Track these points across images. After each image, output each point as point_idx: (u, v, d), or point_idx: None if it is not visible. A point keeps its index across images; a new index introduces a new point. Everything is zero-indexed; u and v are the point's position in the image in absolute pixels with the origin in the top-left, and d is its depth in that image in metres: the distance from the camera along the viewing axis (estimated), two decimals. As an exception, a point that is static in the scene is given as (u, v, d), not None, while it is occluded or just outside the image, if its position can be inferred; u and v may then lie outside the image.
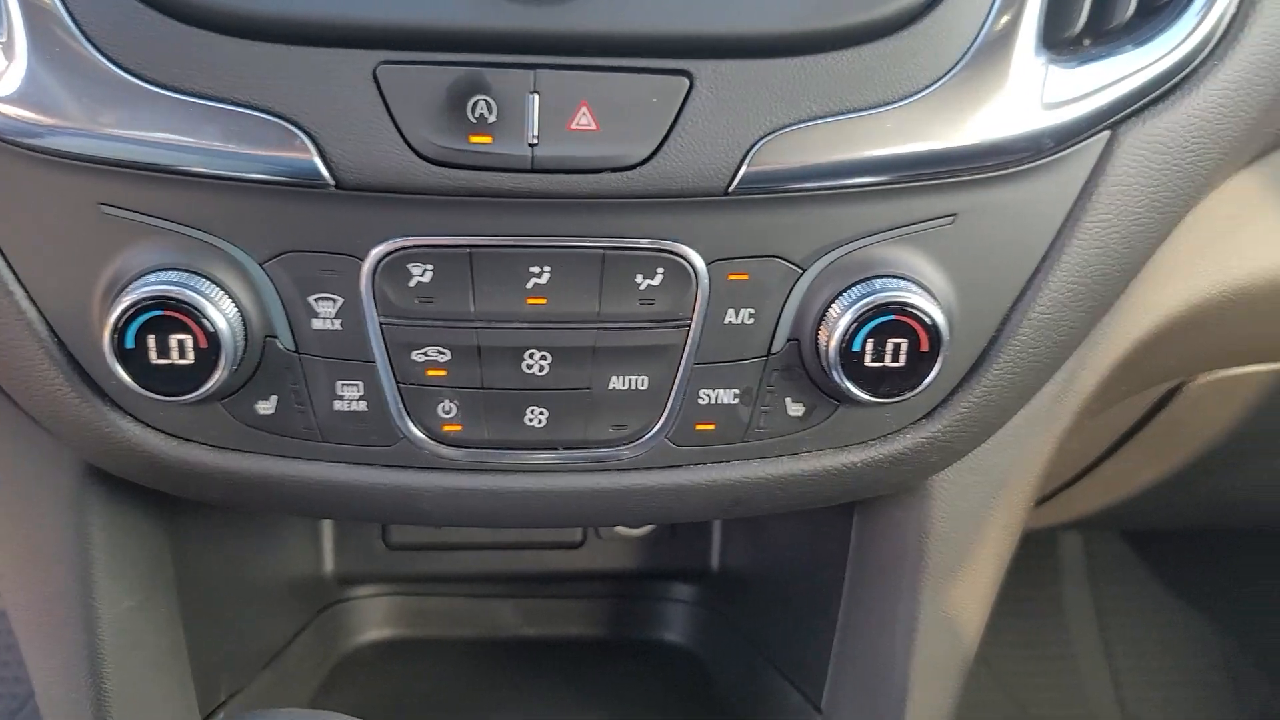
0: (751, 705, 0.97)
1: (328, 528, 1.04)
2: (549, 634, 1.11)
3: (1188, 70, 0.62)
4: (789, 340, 0.64)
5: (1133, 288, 0.70)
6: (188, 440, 0.64)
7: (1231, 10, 0.63)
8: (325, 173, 0.56)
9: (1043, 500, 1.00)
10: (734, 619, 1.06)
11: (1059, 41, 0.61)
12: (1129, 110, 0.62)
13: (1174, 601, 2.01)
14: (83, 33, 0.55)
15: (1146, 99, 0.62)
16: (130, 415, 0.63)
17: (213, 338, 0.58)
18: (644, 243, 0.60)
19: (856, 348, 0.62)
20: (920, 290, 0.62)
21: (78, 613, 0.70)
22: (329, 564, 1.04)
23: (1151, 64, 0.61)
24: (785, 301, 0.63)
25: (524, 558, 1.07)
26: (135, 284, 0.58)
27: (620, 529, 1.09)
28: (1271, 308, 0.75)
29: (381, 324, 0.61)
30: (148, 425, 0.64)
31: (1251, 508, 1.11)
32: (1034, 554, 1.99)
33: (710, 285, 0.62)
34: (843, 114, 0.58)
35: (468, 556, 1.06)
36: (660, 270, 0.61)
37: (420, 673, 1.02)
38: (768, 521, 0.98)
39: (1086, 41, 0.62)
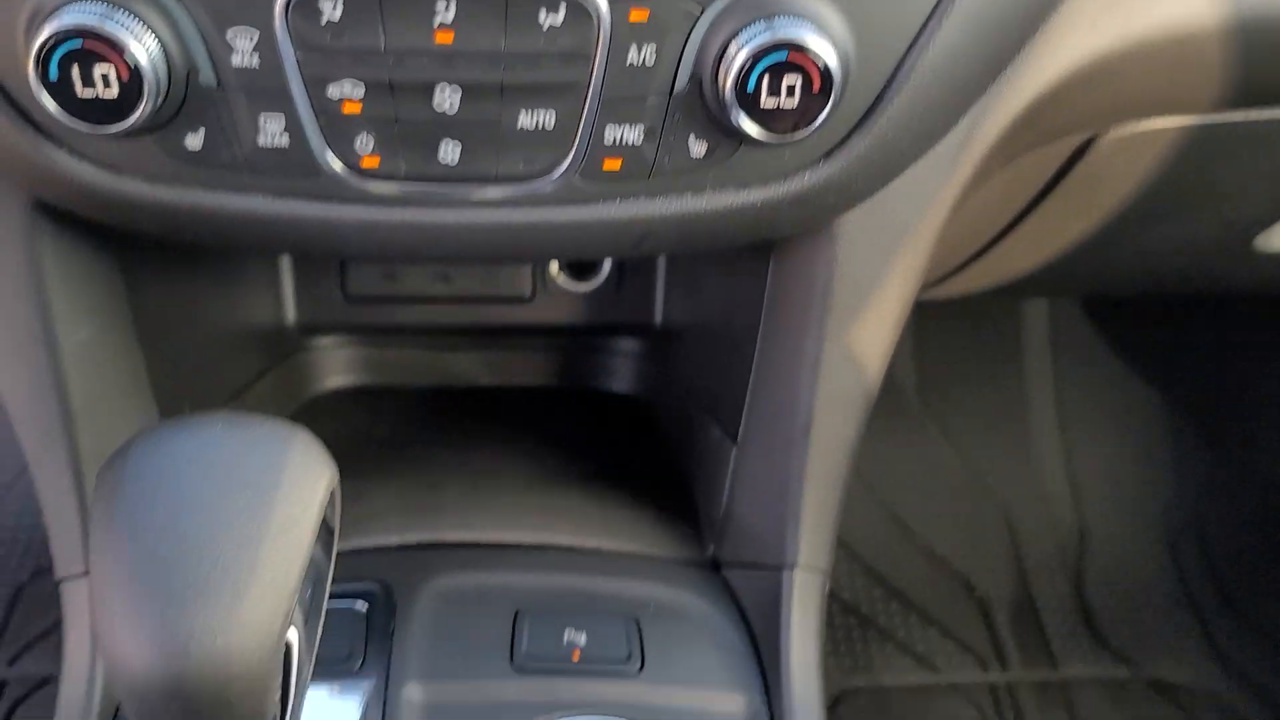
0: (682, 442, 1.06)
1: (287, 277, 1.09)
2: (503, 383, 1.18)
3: None
4: (690, 79, 0.67)
5: (1036, 40, 0.72)
6: (121, 173, 0.68)
7: None
8: None
9: (977, 255, 1.04)
10: (672, 369, 1.13)
11: None
12: None
13: (1131, 378, 2.09)
14: None
15: None
16: (66, 146, 0.67)
17: (135, 71, 0.62)
18: None
19: (751, 87, 0.65)
20: (817, 30, 0.64)
21: (39, 339, 0.76)
22: (290, 314, 1.11)
23: None
24: (686, 40, 0.66)
25: (478, 311, 1.13)
26: (55, 14, 0.61)
27: (566, 284, 1.14)
28: (1173, 60, 0.77)
29: (298, 58, 0.64)
30: (83, 157, 0.68)
31: (1176, 269, 1.16)
32: (999, 329, 2.06)
33: (612, 23, 0.64)
34: None
35: (424, 309, 1.12)
36: (563, 7, 0.64)
37: (380, 419, 1.10)
38: (701, 278, 1.04)
39: None
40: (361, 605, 0.87)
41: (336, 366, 1.15)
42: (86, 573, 0.83)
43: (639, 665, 0.84)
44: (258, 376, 1.05)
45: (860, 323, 0.81)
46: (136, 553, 0.51)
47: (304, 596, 0.57)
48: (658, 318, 1.15)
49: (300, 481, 0.54)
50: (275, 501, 0.53)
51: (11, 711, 1.69)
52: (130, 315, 0.82)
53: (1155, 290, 1.43)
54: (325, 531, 0.58)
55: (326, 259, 1.08)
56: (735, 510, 0.92)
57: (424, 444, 1.08)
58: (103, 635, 0.52)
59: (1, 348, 0.78)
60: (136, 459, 0.54)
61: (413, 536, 0.92)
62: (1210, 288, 1.34)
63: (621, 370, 1.19)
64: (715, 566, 0.95)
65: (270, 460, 0.54)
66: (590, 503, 0.99)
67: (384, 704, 0.80)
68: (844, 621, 1.83)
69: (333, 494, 0.57)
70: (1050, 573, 1.94)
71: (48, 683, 1.72)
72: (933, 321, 1.96)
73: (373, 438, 0.99)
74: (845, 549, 1.88)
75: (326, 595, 0.61)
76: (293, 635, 0.57)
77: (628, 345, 1.18)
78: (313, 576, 0.57)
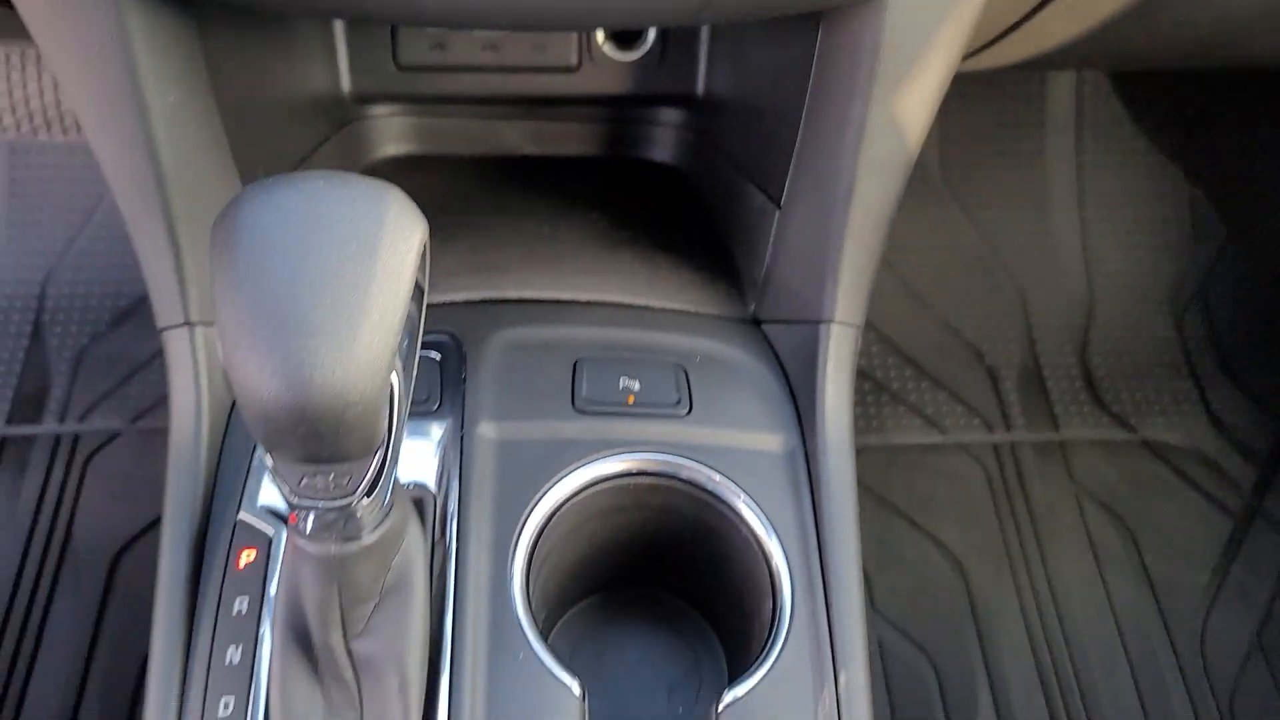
0: (723, 207, 1.11)
1: (342, 48, 1.12)
2: (549, 153, 1.23)
3: None
4: None
5: None
6: None
7: None
8: None
9: (1016, 24, 1.05)
10: (713, 138, 1.17)
11: None
12: None
13: (1151, 155, 2.11)
14: None
15: None
16: None
17: None
18: None
19: None
20: None
21: (131, 104, 0.80)
22: (345, 83, 1.14)
23: None
24: None
25: (525, 80, 1.16)
26: None
27: (612, 53, 1.16)
28: None
29: None
30: None
31: (1215, 39, 1.17)
32: (1024, 108, 2.07)
33: None
34: None
35: (473, 79, 1.14)
36: None
37: (434, 186, 1.15)
38: (745, 49, 1.06)
39: None
40: (435, 355, 0.95)
41: (390, 135, 1.19)
42: (186, 323, 0.90)
43: (687, 409, 0.93)
44: (318, 145, 1.09)
45: (905, 91, 0.85)
46: (260, 297, 0.56)
47: (402, 345, 0.63)
48: (700, 88, 1.17)
49: (399, 234, 0.58)
50: (379, 251, 0.57)
51: (88, 461, 1.83)
52: (209, 82, 0.86)
53: (1189, 63, 1.44)
54: (417, 289, 0.62)
55: (380, 24, 1.10)
56: (776, 270, 0.99)
57: (477, 210, 1.13)
58: (234, 371, 0.57)
59: (98, 114, 0.82)
60: (250, 212, 0.58)
61: (477, 294, 0.99)
62: (1248, 61, 1.35)
63: (663, 140, 1.22)
64: (755, 322, 1.03)
65: (371, 214, 0.58)
66: (639, 264, 1.06)
67: (460, 440, 0.89)
68: (860, 386, 1.94)
69: (423, 251, 0.61)
70: (1058, 343, 2.03)
71: (117, 436, 1.86)
72: (959, 100, 1.97)
73: (428, 204, 1.04)
74: (863, 319, 1.97)
75: (419, 344, 0.68)
76: (394, 378, 0.63)
77: (670, 115, 1.21)
78: (409, 328, 0.64)
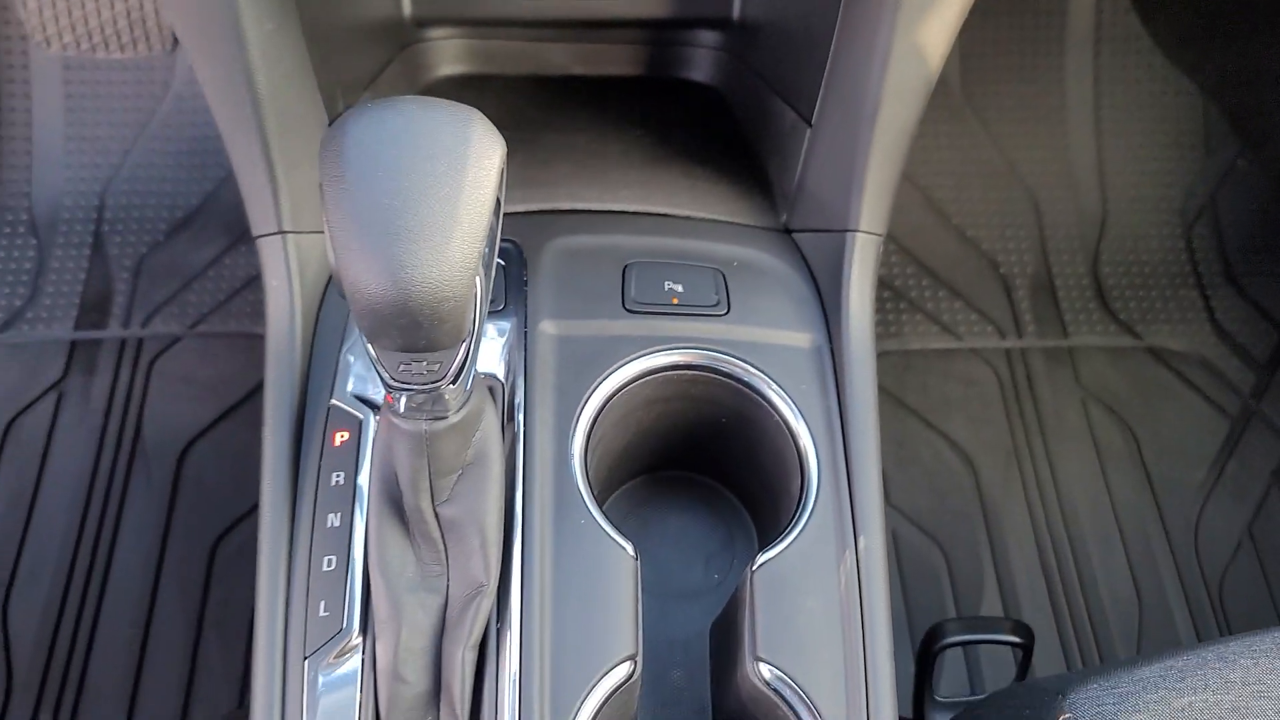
0: (757, 124, 1.20)
1: None
2: (594, 72, 1.31)
3: None
4: None
5: None
6: None
7: None
8: None
9: None
10: (748, 60, 1.25)
11: None
12: None
13: (1168, 71, 2.16)
14: None
15: None
16: None
17: None
18: None
19: None
20: None
21: (232, 33, 0.89)
22: (407, 8, 1.22)
23: None
24: None
25: (573, 4, 1.23)
26: None
27: (654, -22, 1.24)
28: None
29: None
30: None
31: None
32: (1044, 24, 2.12)
33: None
34: None
35: (525, 2, 1.22)
36: None
37: (488, 101, 1.23)
38: None
39: None
40: (499, 260, 1.05)
41: (447, 57, 1.27)
42: (280, 231, 1.00)
43: (725, 309, 1.03)
44: (383, 67, 1.18)
45: (927, 20, 0.93)
46: (366, 208, 0.64)
47: (484, 251, 0.73)
48: (736, 12, 1.25)
49: (483, 153, 0.67)
50: (467, 168, 0.66)
51: (152, 363, 1.95)
52: (296, 11, 0.95)
53: None
54: (495, 201, 0.70)
55: None
56: (806, 184, 1.08)
57: (530, 127, 1.21)
58: (344, 272, 0.66)
59: (201, 44, 0.91)
60: (355, 133, 0.67)
61: (534, 205, 1.09)
62: None
63: (701, 61, 1.30)
64: (787, 231, 1.12)
65: (460, 135, 0.67)
66: (681, 177, 1.15)
67: (524, 336, 1.00)
68: (879, 293, 2.03)
69: (502, 169, 0.69)
70: (1070, 254, 2.12)
71: (177, 341, 1.98)
72: (980, 17, 2.02)
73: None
74: (884, 230, 2.06)
75: (496, 251, 0.77)
76: (477, 279, 0.73)
77: (707, 37, 1.29)
78: (489, 236, 0.73)
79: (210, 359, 1.96)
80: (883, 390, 1.11)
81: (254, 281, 2.03)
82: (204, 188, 2.10)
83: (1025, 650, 1.35)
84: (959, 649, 1.71)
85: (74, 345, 1.96)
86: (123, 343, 1.97)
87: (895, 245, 2.09)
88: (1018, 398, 1.98)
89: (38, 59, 2.08)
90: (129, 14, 2.00)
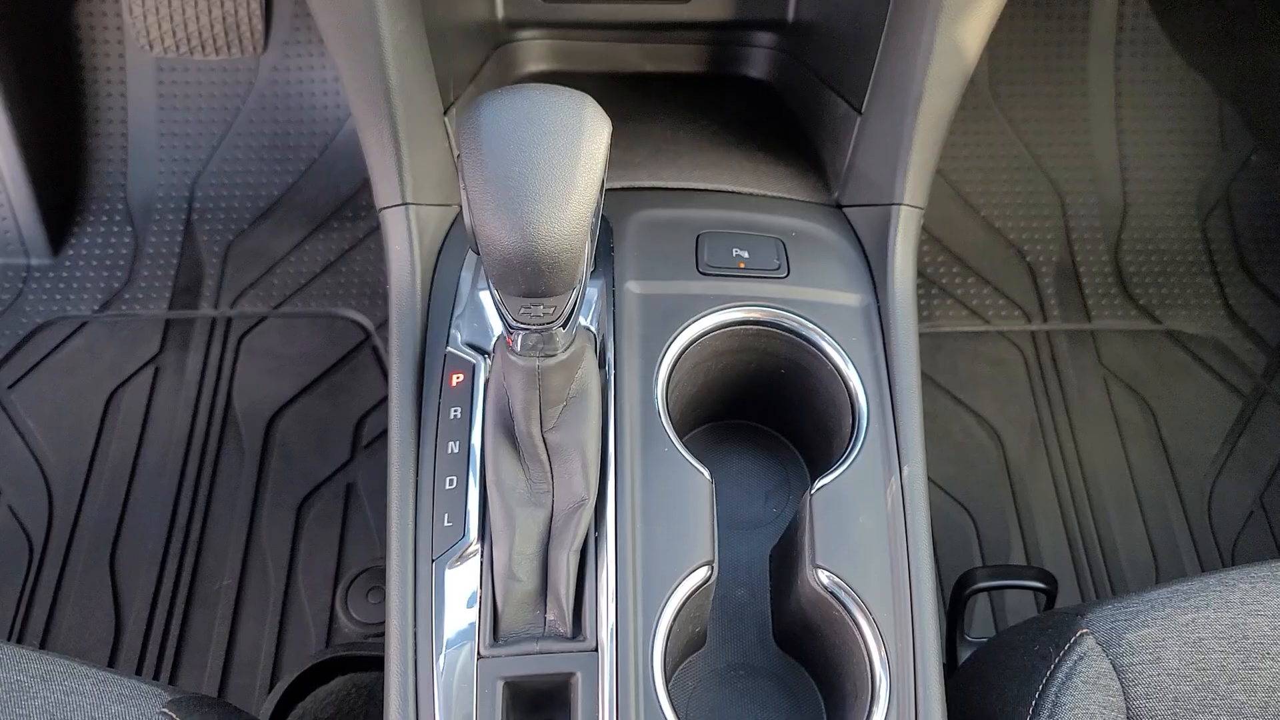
0: (811, 115, 1.35)
1: None
2: (664, 69, 1.47)
3: None
4: None
5: None
6: None
7: None
8: None
9: None
10: (802, 56, 1.40)
11: None
12: None
13: (1186, 72, 2.30)
14: None
15: None
16: None
17: None
18: None
19: None
20: None
21: (370, 29, 1.04)
22: (500, 12, 1.38)
23: None
24: None
25: (645, 10, 1.39)
26: None
27: (717, -15, 1.40)
28: None
29: None
30: None
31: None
32: (1069, 26, 2.26)
33: None
34: None
35: (604, 8, 1.38)
36: None
37: None
38: None
39: None
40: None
41: (534, 55, 1.43)
42: (403, 203, 1.15)
43: (786, 273, 1.17)
44: (483, 63, 1.34)
45: (965, 19, 1.08)
46: (501, 175, 0.76)
47: (595, 210, 0.86)
48: (790, 14, 1.40)
49: (595, 130, 0.79)
50: (582, 142, 0.78)
51: (240, 340, 2.12)
52: (421, 15, 1.10)
53: None
54: (604, 170, 0.78)
55: None
56: (856, 163, 1.23)
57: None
58: (480, 228, 0.78)
59: (344, 42, 1.07)
60: (489, 113, 0.80)
61: (619, 183, 1.24)
62: None
63: (759, 59, 1.46)
64: (839, 206, 1.27)
65: (574, 114, 0.79)
66: (745, 160, 1.30)
67: (612, 294, 1.14)
68: (913, 279, 2.17)
69: (609, 145, 0.80)
70: (1093, 243, 2.25)
71: (263, 320, 2.14)
72: (1009, 21, 2.16)
73: None
74: (917, 220, 2.20)
75: (600, 215, 0.91)
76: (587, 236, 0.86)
77: (764, 38, 1.44)
78: (598, 205, 0.83)
79: (293, 337, 2.13)
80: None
81: (332, 266, 2.20)
82: (285, 180, 2.27)
83: (1049, 596, 1.49)
84: (987, 600, 1.85)
85: (168, 324, 2.13)
86: (213, 321, 2.14)
87: (927, 234, 2.23)
88: (1043, 376, 2.11)
89: (134, 60, 2.26)
90: (224, 19, 2.18)
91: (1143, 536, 1.96)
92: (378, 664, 1.69)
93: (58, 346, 2.10)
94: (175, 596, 1.87)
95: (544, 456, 1.00)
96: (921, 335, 2.13)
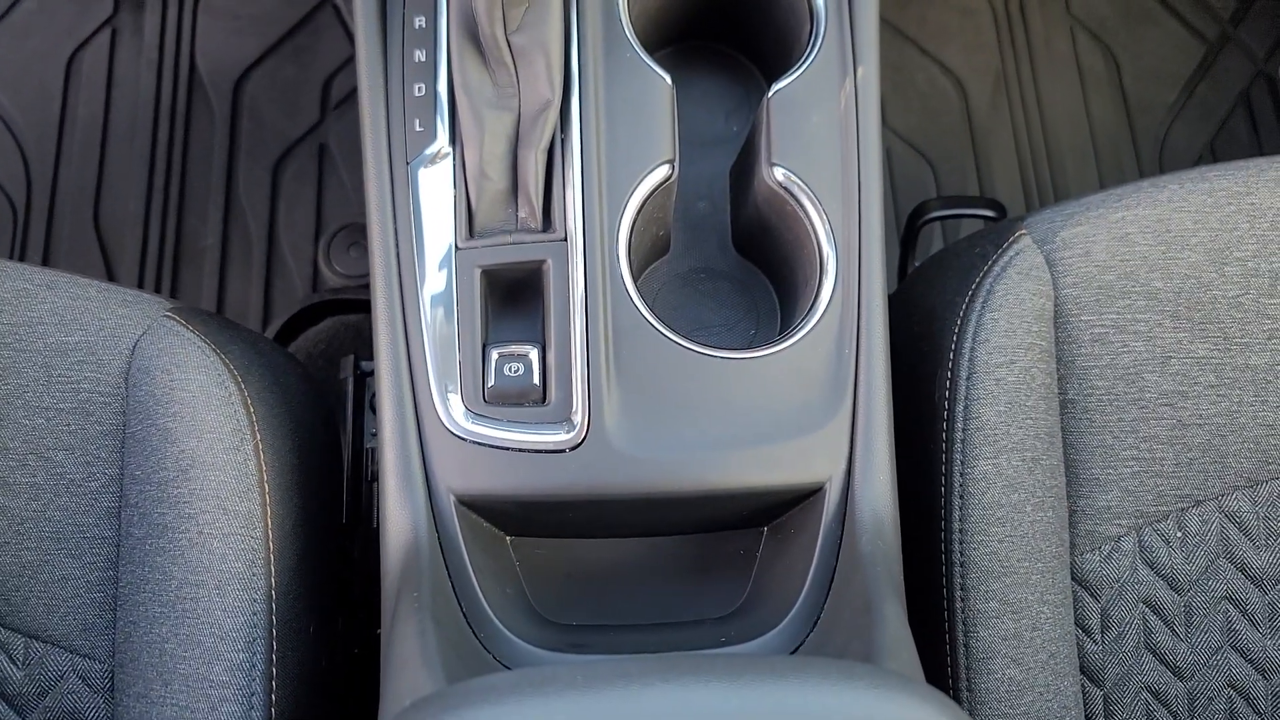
0: None
1: None
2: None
3: None
4: None
5: None
6: None
7: None
8: None
9: None
10: None
11: None
12: None
13: None
14: None
15: None
16: None
17: None
18: None
19: None
20: None
21: None
22: None
23: None
24: None
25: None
26: None
27: None
28: None
29: None
30: None
31: None
32: None
33: None
34: None
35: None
36: None
37: None
38: None
39: None
40: None
41: None
42: None
43: None
44: None
45: None
46: None
47: None
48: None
49: None
50: None
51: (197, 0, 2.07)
52: None
53: None
54: None
55: None
56: None
57: None
58: None
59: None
60: None
61: None
62: None
63: None
64: None
65: None
66: None
67: None
68: (885, -77, 2.11)
69: None
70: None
71: None
72: None
73: None
74: None
75: None
76: None
77: None
78: None
79: (252, -5, 2.08)
80: (882, 20, 1.23)
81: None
82: None
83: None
84: (942, 240, 1.95)
85: (120, -17, 2.08)
86: (166, -19, 2.08)
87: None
88: (1009, 26, 2.11)
89: None
90: None
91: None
92: (364, 307, 1.79)
93: (10, 9, 2.05)
94: (163, 255, 1.94)
95: (509, 59, 1.03)
96: (890, -16, 2.10)
